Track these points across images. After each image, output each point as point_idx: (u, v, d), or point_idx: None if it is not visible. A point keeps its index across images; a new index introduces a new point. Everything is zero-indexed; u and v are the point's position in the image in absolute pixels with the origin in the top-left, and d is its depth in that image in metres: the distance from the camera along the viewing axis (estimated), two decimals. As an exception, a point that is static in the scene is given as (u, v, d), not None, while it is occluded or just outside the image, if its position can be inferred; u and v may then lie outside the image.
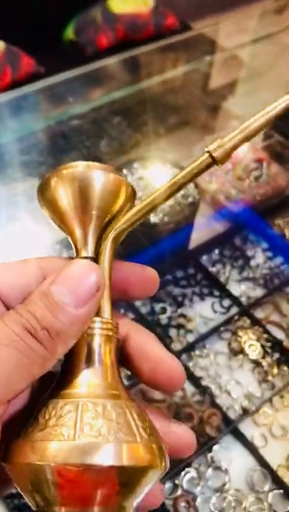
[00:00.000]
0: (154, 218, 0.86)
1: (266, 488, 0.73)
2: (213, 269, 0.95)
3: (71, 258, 0.30)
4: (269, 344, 0.86)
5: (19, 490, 0.25)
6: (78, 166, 0.28)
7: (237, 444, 0.77)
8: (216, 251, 0.98)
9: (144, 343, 0.29)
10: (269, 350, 0.86)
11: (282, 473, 0.75)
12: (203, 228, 0.98)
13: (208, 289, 0.92)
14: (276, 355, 0.85)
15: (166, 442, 0.27)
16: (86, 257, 0.28)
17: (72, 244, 0.29)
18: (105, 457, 0.22)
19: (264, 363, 0.84)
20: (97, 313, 0.27)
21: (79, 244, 0.29)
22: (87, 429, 0.23)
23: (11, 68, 1.96)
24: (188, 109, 1.12)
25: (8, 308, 0.27)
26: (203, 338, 0.86)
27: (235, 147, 0.27)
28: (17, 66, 1.97)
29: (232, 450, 0.77)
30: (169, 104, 1.08)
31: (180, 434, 0.29)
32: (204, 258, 0.97)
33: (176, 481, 0.73)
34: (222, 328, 0.88)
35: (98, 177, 0.28)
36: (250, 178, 1.04)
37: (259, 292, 0.92)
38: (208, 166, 0.27)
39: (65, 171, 0.28)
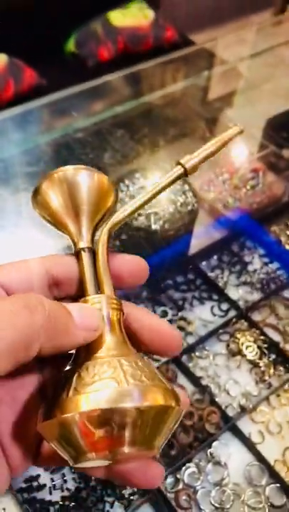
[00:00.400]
0: (154, 225, 0.90)
1: (263, 482, 0.77)
2: (212, 275, 0.99)
3: (71, 254, 0.33)
4: (266, 345, 0.90)
5: (56, 446, 0.27)
6: (66, 170, 0.32)
7: (235, 441, 0.81)
8: (215, 257, 1.02)
9: (141, 317, 0.32)
10: (266, 352, 0.89)
11: (278, 468, 0.78)
12: (202, 235, 1.03)
13: (208, 293, 0.96)
14: (273, 356, 0.89)
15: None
16: (83, 248, 0.32)
17: (70, 239, 0.33)
18: (156, 398, 0.26)
19: (261, 364, 0.88)
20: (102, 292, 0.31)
21: (75, 238, 0.32)
22: (131, 378, 0.26)
23: (13, 80, 2.00)
24: (187, 122, 1.17)
25: None
26: (202, 340, 0.90)
27: (201, 161, 0.33)
28: (20, 78, 2.01)
29: (230, 446, 0.80)
30: (169, 117, 1.12)
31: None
32: (203, 264, 1.00)
33: (178, 476, 0.77)
34: (221, 331, 0.92)
35: (84, 177, 0.32)
36: (247, 187, 1.08)
37: (256, 296, 0.96)
38: (179, 177, 0.33)
39: (55, 175, 0.32)
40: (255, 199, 1.07)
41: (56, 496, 0.74)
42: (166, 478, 0.76)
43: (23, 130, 0.95)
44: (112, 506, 0.74)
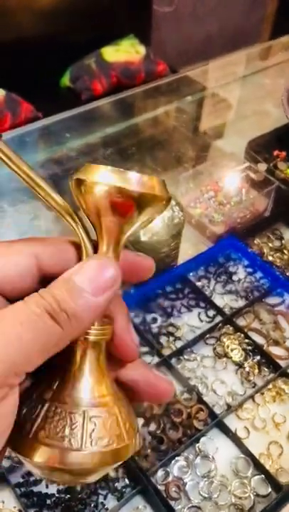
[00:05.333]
0: (143, 237, 0.96)
1: (249, 473, 0.81)
2: (199, 284, 1.05)
3: (69, 241, 0.32)
4: (250, 348, 0.95)
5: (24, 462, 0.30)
6: (124, 179, 0.29)
7: (222, 436, 0.85)
8: (202, 268, 1.08)
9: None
10: (250, 354, 0.95)
11: (263, 460, 0.82)
12: (190, 248, 1.09)
13: (195, 301, 1.02)
14: (257, 358, 0.94)
15: (150, 392, 0.34)
16: None
17: (93, 245, 0.31)
18: (74, 463, 0.28)
19: (246, 365, 0.93)
20: None
21: (100, 249, 0.31)
22: (88, 438, 0.28)
23: (11, 114, 2.10)
24: (172, 142, 1.25)
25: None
26: (190, 344, 0.95)
27: None
28: (17, 112, 2.10)
29: (217, 441, 0.85)
30: (155, 138, 1.20)
31: (160, 384, 0.34)
32: (191, 274, 1.07)
33: (168, 469, 0.81)
34: (207, 335, 0.97)
35: (137, 194, 0.29)
36: (231, 203, 1.15)
37: (241, 303, 1.02)
38: None
39: (108, 175, 0.29)
40: (239, 214, 1.14)
41: (52, 489, 0.79)
42: (156, 471, 0.80)
43: (21, 149, 1.03)
44: (105, 498, 0.78)
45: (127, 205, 0.29)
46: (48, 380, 0.30)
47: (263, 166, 1.12)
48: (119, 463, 0.30)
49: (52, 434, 0.28)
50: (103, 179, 0.28)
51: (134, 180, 0.28)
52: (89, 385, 0.30)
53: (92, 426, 0.28)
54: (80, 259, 0.31)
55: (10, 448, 0.29)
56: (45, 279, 0.30)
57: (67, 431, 0.28)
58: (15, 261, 0.29)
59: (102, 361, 0.31)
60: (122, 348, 0.33)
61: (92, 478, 0.30)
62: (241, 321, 1.00)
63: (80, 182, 0.29)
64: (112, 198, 0.29)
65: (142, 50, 2.45)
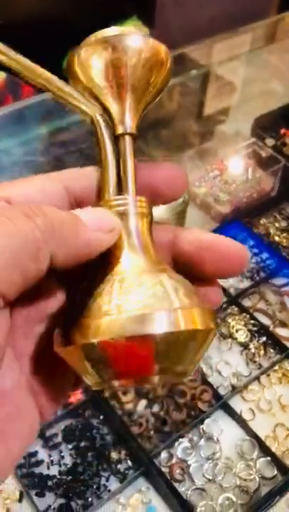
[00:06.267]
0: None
1: (254, 455, 0.79)
2: (203, 264, 1.02)
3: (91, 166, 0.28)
4: (256, 329, 0.93)
5: (77, 372, 0.25)
6: (111, 32, 0.25)
7: (227, 418, 0.84)
8: (206, 248, 1.05)
9: (196, 237, 0.28)
10: (256, 335, 0.92)
11: (269, 443, 0.80)
12: (194, 228, 1.06)
13: (200, 281, 1.00)
14: (263, 339, 0.92)
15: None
16: (124, 134, 0.27)
17: (109, 121, 0.27)
18: (160, 325, 0.22)
19: (251, 346, 0.91)
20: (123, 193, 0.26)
21: (116, 121, 0.27)
22: (136, 302, 0.22)
23: (12, 96, 2.07)
24: (177, 120, 1.22)
25: None
26: (195, 325, 0.93)
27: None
28: (18, 94, 2.07)
29: (222, 423, 0.83)
30: (160, 117, 1.17)
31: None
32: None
33: (171, 451, 0.79)
34: (212, 316, 0.95)
35: (135, 43, 0.25)
36: (237, 182, 1.12)
37: (246, 284, 0.99)
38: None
39: (94, 38, 0.26)
40: (245, 194, 1.12)
41: (54, 471, 0.77)
42: (160, 453, 0.79)
43: (22, 123, 1.01)
44: (107, 480, 0.76)
45: (130, 59, 0.26)
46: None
47: (270, 142, 1.09)
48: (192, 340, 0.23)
49: (120, 303, 0.22)
50: (99, 36, 0.26)
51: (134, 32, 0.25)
52: (144, 253, 0.25)
53: (164, 287, 0.23)
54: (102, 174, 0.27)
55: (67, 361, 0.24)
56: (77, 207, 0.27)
57: (136, 295, 0.22)
58: (51, 188, 0.26)
59: (141, 237, 0.26)
60: (229, 253, 0.27)
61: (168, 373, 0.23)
62: (247, 302, 0.98)
63: (77, 59, 0.27)
64: (112, 54, 0.25)
65: (145, 32, 2.41)
